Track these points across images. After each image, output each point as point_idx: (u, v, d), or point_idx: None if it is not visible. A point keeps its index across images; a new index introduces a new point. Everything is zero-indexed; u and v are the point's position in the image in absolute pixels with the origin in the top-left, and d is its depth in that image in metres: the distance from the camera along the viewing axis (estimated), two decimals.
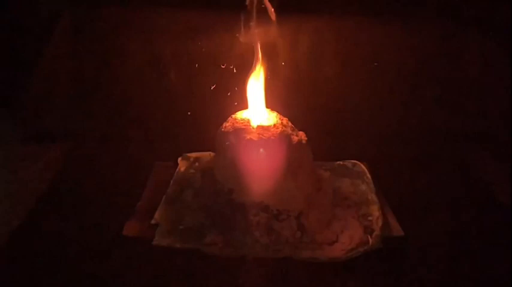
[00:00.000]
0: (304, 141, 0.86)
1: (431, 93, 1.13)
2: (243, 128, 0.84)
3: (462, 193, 0.94)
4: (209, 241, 0.79)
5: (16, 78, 1.13)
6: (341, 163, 0.99)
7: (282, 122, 0.85)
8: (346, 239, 0.81)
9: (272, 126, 0.84)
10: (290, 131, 0.85)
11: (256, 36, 0.84)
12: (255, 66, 0.87)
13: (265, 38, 0.85)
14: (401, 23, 1.10)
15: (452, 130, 1.10)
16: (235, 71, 0.93)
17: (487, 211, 0.89)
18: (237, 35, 0.84)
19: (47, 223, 0.84)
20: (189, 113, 0.88)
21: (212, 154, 0.94)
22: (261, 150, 0.81)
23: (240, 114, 0.87)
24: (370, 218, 0.85)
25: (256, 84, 0.87)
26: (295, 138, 0.84)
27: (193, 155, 1.00)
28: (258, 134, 0.82)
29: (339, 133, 1.08)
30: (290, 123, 0.87)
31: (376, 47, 1.11)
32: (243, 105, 0.90)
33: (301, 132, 0.87)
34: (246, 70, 0.87)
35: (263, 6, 0.83)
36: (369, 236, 0.80)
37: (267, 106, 0.90)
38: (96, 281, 0.73)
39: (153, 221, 0.84)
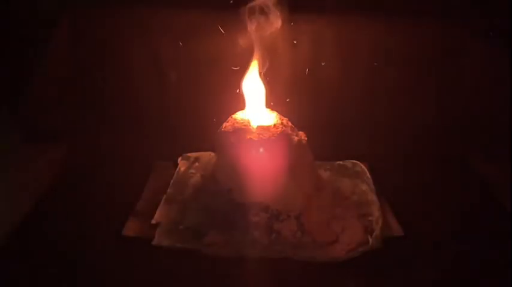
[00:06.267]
0: (304, 142, 0.86)
1: (432, 93, 1.13)
2: (243, 128, 0.84)
3: (462, 193, 0.94)
4: (209, 241, 0.79)
5: (16, 78, 1.13)
6: (341, 162, 1.00)
7: (282, 122, 0.85)
8: (346, 239, 0.81)
9: (272, 126, 0.84)
10: (290, 131, 0.85)
11: (255, 35, 0.85)
12: (252, 64, 0.86)
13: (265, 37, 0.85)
14: (401, 23, 1.10)
15: (452, 130, 1.10)
16: (236, 69, 0.93)
17: (487, 211, 0.89)
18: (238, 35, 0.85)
19: (46, 223, 0.84)
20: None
21: (212, 154, 0.94)
22: (261, 150, 0.81)
23: (240, 114, 0.87)
24: (370, 218, 0.85)
25: (252, 83, 0.87)
26: (295, 139, 0.84)
27: (193, 155, 1.00)
28: (258, 134, 0.82)
29: (339, 133, 1.08)
30: (290, 123, 0.86)
31: (376, 47, 1.11)
32: (243, 105, 0.90)
33: (301, 133, 0.87)
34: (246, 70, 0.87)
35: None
36: (369, 236, 0.80)
37: (267, 106, 0.90)
38: (96, 281, 0.74)
39: (153, 221, 0.84)
